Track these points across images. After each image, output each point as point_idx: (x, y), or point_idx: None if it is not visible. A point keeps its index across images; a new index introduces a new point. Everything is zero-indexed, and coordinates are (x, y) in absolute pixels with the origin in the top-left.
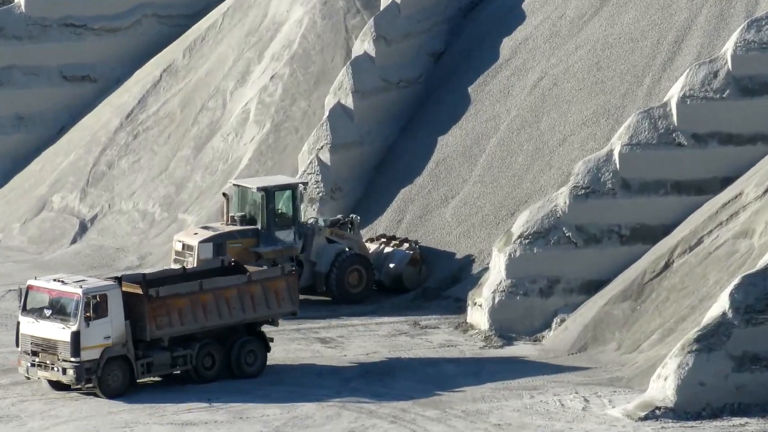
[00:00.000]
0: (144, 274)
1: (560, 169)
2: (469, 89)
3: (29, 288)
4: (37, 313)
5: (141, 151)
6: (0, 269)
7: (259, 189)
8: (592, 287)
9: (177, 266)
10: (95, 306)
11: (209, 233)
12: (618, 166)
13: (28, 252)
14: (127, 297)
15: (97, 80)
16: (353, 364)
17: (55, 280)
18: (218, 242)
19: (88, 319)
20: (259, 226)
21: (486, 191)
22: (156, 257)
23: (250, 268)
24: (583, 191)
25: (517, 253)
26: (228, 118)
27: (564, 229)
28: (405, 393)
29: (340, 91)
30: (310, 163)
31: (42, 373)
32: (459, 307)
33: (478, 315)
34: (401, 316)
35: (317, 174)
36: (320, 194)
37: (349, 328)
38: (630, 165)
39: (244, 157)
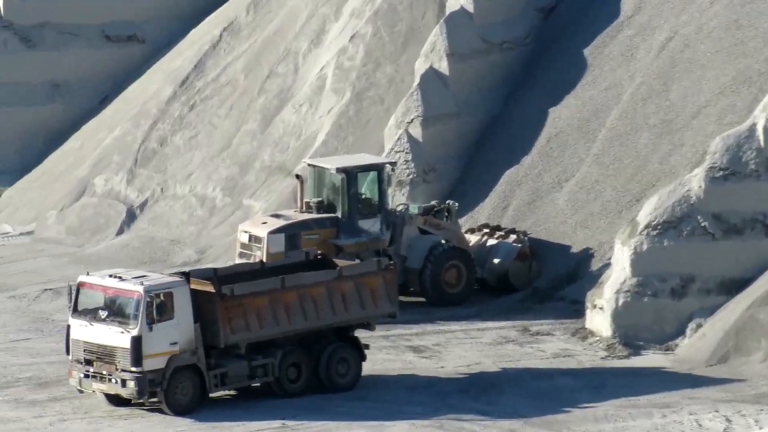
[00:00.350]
0: (216, 269)
1: (694, 146)
2: (585, 52)
3: (81, 285)
4: (91, 314)
5: (198, 125)
6: (33, 265)
7: (338, 170)
8: (734, 287)
9: (243, 261)
10: (159, 306)
11: (280, 223)
12: (762, 143)
13: (65, 245)
14: (197, 296)
15: (145, 41)
16: (452, 378)
17: (111, 275)
18: (291, 233)
19: (151, 322)
20: (339, 214)
21: (606, 173)
22: (217, 251)
23: (340, 262)
24: (721, 173)
25: (644, 247)
26: (300, 86)
27: (699, 217)
28: (513, 411)
29: (432, 53)
30: (398, 139)
31: (97, 386)
32: (576, 310)
33: (599, 319)
34: (508, 320)
35: (406, 152)
36: (410, 176)
37: (446, 334)
38: None
39: (320, 132)
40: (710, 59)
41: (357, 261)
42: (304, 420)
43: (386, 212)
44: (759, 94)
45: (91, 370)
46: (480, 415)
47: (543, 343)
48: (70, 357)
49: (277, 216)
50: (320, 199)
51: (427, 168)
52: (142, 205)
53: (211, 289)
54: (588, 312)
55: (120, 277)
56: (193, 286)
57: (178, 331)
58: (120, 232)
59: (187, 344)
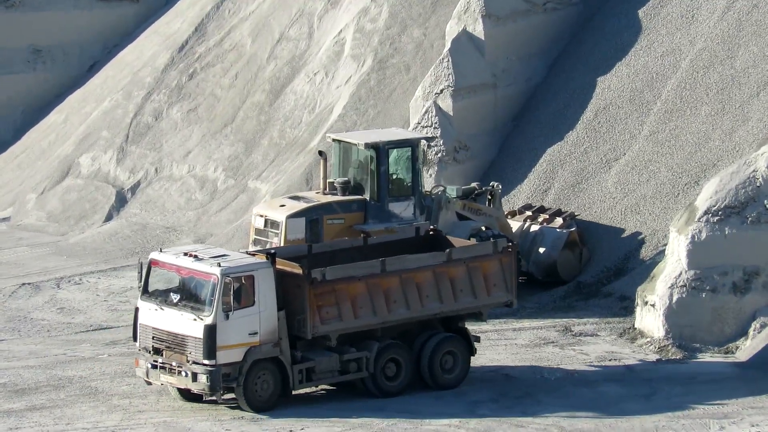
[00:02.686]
0: (310, 246)
1: (761, 121)
2: (640, 13)
3: (152, 263)
4: (162, 297)
5: (198, 96)
6: (9, 256)
7: (367, 146)
8: None
9: (256, 248)
10: (238, 291)
11: (300, 205)
12: None
13: (47, 233)
14: (283, 279)
15: (139, 0)
16: (483, 384)
17: (186, 254)
18: (312, 217)
19: (227, 309)
20: (367, 196)
21: (661, 151)
22: (219, 239)
23: (455, 241)
24: None
25: (703, 235)
26: (315, 52)
27: (766, 202)
28: (552, 423)
29: (466, 14)
30: (426, 112)
31: (167, 378)
32: (624, 307)
33: (651, 318)
34: (547, 318)
35: (435, 127)
36: (439, 155)
37: (478, 334)
38: None
39: (337, 104)
40: None
41: (473, 242)
42: (315, 430)
43: (420, 194)
44: None
45: (160, 360)
46: (513, 426)
47: (586, 345)
48: (137, 344)
49: (296, 198)
50: (346, 179)
51: (458, 146)
52: (134, 188)
53: (299, 271)
54: (638, 310)
55: (196, 256)
56: (279, 267)
57: (259, 320)
58: (108, 218)
59: (268, 335)
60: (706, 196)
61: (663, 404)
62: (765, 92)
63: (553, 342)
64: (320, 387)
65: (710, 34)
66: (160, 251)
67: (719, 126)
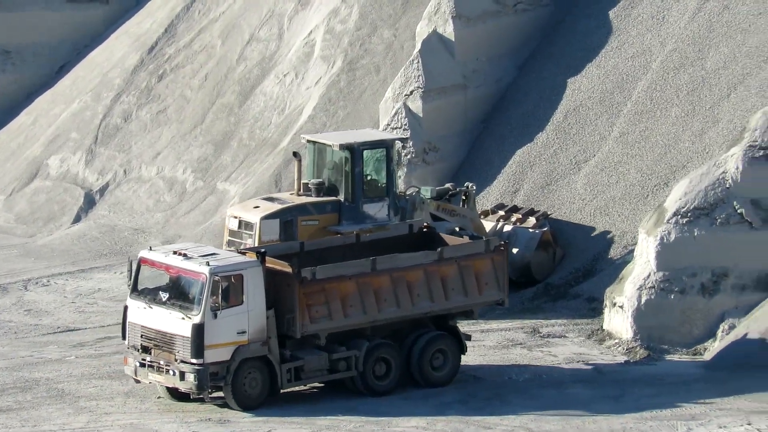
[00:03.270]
0: (302, 243)
1: (731, 123)
2: (611, 14)
3: (142, 262)
4: (151, 295)
5: (168, 97)
6: None
7: (342, 147)
8: None
9: (231, 249)
10: (226, 290)
11: (275, 207)
12: None
13: (15, 234)
14: (274, 277)
15: (109, 1)
16: (451, 385)
17: (175, 252)
18: (286, 218)
19: (216, 308)
20: (341, 197)
21: (631, 153)
22: (188, 241)
23: (448, 239)
24: (762, 153)
25: (672, 237)
26: (285, 53)
27: (735, 203)
28: (520, 424)
29: (436, 16)
30: (396, 113)
31: (155, 377)
32: (593, 309)
33: (619, 320)
34: (515, 320)
35: (405, 128)
36: (409, 156)
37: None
38: None
39: (307, 105)
40: (752, 23)
41: (466, 239)
42: (282, 431)
43: (395, 195)
44: None
45: (148, 358)
46: (481, 428)
47: (555, 346)
48: (126, 342)
49: (271, 199)
50: (320, 180)
51: (427, 147)
52: (103, 190)
53: (289, 270)
54: (606, 311)
55: (185, 255)
56: (269, 266)
57: (248, 319)
58: (77, 220)
59: (257, 333)
60: (675, 198)
61: (631, 405)
62: (735, 94)
63: (521, 343)
64: (309, 386)
65: (681, 35)
66: (150, 249)
67: (689, 127)
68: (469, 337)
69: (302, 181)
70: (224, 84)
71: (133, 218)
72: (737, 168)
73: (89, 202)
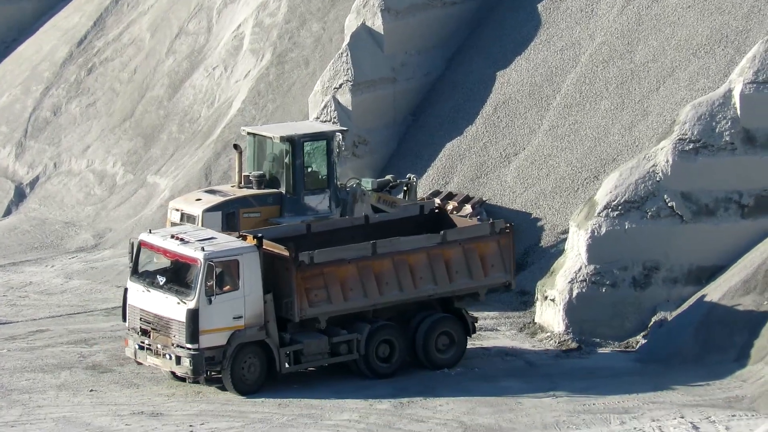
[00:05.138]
0: (309, 225)
1: (661, 116)
2: (539, 7)
3: (141, 245)
4: (149, 279)
5: (97, 90)
6: None
7: (283, 139)
8: (704, 276)
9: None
10: (221, 276)
11: (216, 199)
12: (739, 111)
13: None
14: (272, 260)
15: None
16: (381, 380)
17: (174, 236)
18: (228, 211)
19: (210, 294)
20: (283, 190)
21: (561, 146)
22: (118, 234)
23: (458, 220)
24: (691, 146)
25: (603, 230)
26: (214, 47)
27: (666, 197)
28: (453, 418)
29: (365, 9)
30: (325, 107)
31: (153, 360)
32: (524, 302)
33: (551, 313)
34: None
35: (334, 122)
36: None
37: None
38: (755, 111)
39: (236, 98)
40: (681, 15)
41: (474, 221)
42: (215, 425)
43: (336, 187)
44: (736, 55)
45: (147, 341)
46: (413, 422)
47: (486, 339)
48: (126, 324)
49: (212, 192)
50: (261, 172)
51: (357, 140)
52: (33, 183)
53: (286, 254)
54: (538, 304)
55: (182, 239)
56: (266, 249)
57: (244, 304)
58: (7, 213)
59: (254, 318)
60: (605, 191)
61: (564, 399)
62: (664, 87)
63: None
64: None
65: (610, 28)
66: (149, 232)
67: (619, 120)
68: (476, 320)
69: (243, 174)
70: (153, 77)
71: (64, 211)
72: (667, 161)
73: (19, 196)
